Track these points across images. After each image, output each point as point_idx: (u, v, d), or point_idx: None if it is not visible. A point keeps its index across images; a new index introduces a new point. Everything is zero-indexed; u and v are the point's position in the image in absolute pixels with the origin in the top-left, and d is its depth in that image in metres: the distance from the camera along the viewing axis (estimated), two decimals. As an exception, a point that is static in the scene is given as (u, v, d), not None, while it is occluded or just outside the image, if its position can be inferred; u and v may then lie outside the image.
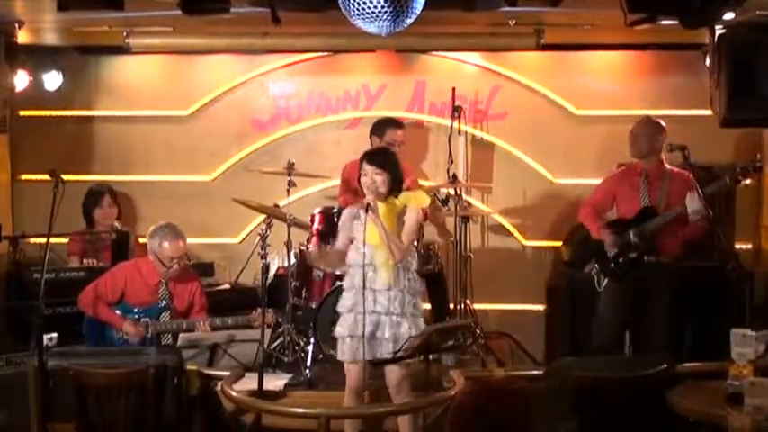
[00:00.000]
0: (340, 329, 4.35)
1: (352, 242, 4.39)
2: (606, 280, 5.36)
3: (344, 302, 4.36)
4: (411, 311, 4.32)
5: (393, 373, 4.32)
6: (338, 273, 5.53)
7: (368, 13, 4.05)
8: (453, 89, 6.31)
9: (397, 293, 4.29)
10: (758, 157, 5.05)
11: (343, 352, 4.34)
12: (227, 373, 4.80)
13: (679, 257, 5.35)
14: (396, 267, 4.29)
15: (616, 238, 5.30)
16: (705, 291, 5.68)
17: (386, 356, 4.22)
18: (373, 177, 4.28)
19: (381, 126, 6.04)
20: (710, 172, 5.66)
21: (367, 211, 4.19)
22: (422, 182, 6.48)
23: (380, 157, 4.39)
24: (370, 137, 6.06)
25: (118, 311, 5.23)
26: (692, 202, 5.05)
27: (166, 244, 5.22)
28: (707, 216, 4.92)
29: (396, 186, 4.34)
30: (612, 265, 5.33)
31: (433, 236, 6.39)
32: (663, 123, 5.41)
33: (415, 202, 4.39)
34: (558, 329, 6.23)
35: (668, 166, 5.39)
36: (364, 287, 4.24)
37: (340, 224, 4.53)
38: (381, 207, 4.28)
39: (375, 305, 4.27)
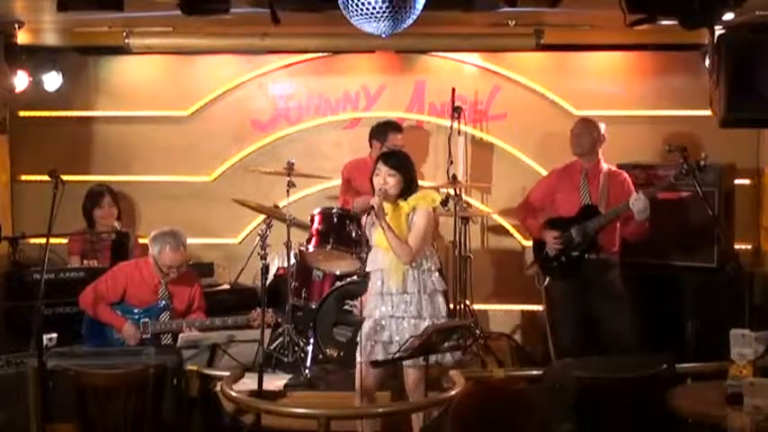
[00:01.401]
0: (362, 333, 4.37)
1: None
2: (547, 279, 5.44)
3: (367, 306, 4.41)
4: (430, 313, 4.33)
5: (411, 375, 4.34)
6: (338, 273, 5.55)
7: (368, 13, 4.05)
8: (453, 89, 6.31)
9: (413, 296, 4.30)
10: (703, 155, 5.15)
11: (360, 355, 4.36)
12: (227, 373, 4.80)
13: (620, 255, 5.44)
14: (407, 270, 4.29)
15: (557, 237, 5.35)
16: (705, 291, 5.68)
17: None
18: (386, 178, 4.28)
19: (384, 130, 6.02)
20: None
21: (369, 213, 4.19)
22: (421, 182, 6.46)
23: (395, 159, 4.40)
24: (370, 140, 6.05)
25: (118, 311, 5.24)
26: (637, 202, 5.14)
27: (167, 253, 5.22)
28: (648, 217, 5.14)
29: (408, 189, 4.33)
30: (554, 263, 5.40)
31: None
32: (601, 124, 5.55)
33: (424, 203, 4.38)
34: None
35: (605, 166, 5.49)
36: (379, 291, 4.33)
37: (365, 228, 4.51)
38: (389, 209, 4.28)
39: (392, 309, 4.29)
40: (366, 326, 4.37)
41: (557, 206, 5.54)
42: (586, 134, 5.48)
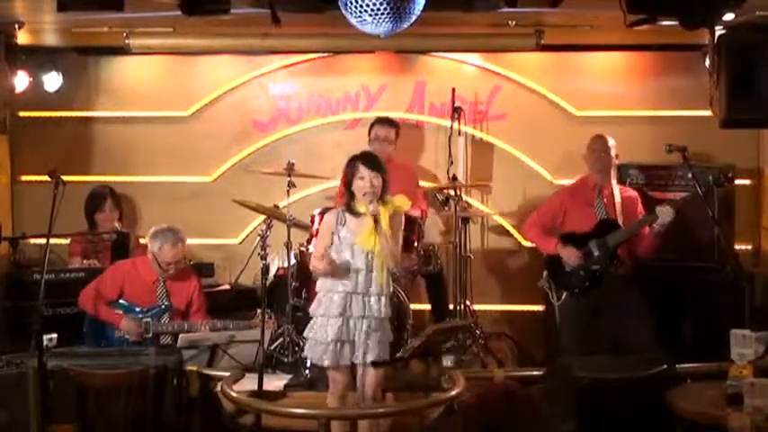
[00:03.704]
0: (323, 333, 4.25)
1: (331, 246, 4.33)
2: (565, 294, 5.35)
3: (331, 307, 4.26)
4: (387, 312, 4.32)
5: (370, 378, 4.29)
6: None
7: (368, 14, 4.06)
8: (453, 90, 6.31)
9: (385, 298, 4.29)
10: (731, 171, 5.30)
11: (323, 357, 4.27)
12: (227, 373, 4.80)
13: (633, 271, 5.40)
14: (388, 272, 4.28)
15: (576, 252, 5.30)
16: (705, 292, 5.68)
17: (382, 359, 4.22)
18: (373, 181, 4.24)
19: (371, 126, 6.10)
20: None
21: (375, 221, 4.15)
22: (422, 183, 6.47)
23: (374, 160, 4.33)
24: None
25: (120, 311, 5.24)
26: (665, 215, 5.11)
27: (166, 248, 5.23)
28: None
29: (385, 191, 4.31)
30: (573, 279, 5.33)
31: (434, 237, 6.39)
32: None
33: (402, 206, 4.35)
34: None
35: (617, 185, 5.48)
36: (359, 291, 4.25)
37: (322, 228, 4.42)
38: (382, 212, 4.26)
39: (367, 310, 4.25)
40: (333, 325, 4.24)
41: (569, 223, 5.46)
42: (607, 152, 5.42)
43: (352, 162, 4.31)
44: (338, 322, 4.23)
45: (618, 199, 5.41)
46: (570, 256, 5.32)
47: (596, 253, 5.27)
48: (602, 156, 5.43)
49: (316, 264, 4.38)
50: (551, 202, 5.69)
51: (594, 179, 5.47)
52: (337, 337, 4.23)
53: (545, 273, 5.48)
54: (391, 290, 4.36)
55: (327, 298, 4.28)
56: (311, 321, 4.35)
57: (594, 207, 5.40)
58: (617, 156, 5.48)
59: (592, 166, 5.49)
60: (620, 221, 5.32)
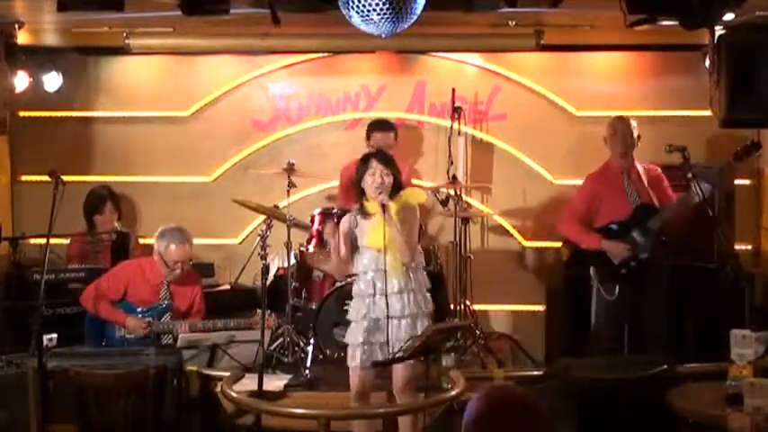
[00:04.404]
0: (354, 336, 4.32)
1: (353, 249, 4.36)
2: (617, 287, 5.21)
3: (357, 310, 4.33)
4: (426, 310, 4.32)
5: (399, 374, 4.30)
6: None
7: (368, 14, 4.06)
8: (453, 90, 6.31)
9: (410, 294, 4.28)
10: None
11: (354, 358, 4.31)
12: (227, 373, 4.80)
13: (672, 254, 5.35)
14: (405, 268, 4.28)
15: (622, 245, 5.23)
16: (705, 292, 5.68)
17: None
18: (383, 178, 4.26)
19: (369, 129, 6.06)
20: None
21: (384, 211, 4.16)
22: (422, 182, 6.47)
23: (387, 158, 4.36)
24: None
25: (120, 309, 5.23)
26: (693, 197, 5.08)
27: (173, 247, 5.23)
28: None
29: (396, 190, 4.32)
30: (624, 270, 5.22)
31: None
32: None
33: (413, 199, 4.36)
34: (558, 330, 6.22)
35: (640, 164, 5.42)
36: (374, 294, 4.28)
37: (341, 231, 4.44)
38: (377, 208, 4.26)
39: (389, 310, 4.24)
40: (360, 328, 4.30)
41: (604, 212, 5.36)
42: (630, 132, 5.34)
43: (365, 159, 4.36)
44: (364, 324, 4.29)
45: (645, 179, 5.33)
46: (618, 250, 5.21)
47: (642, 240, 5.20)
48: (627, 138, 5.34)
49: (335, 261, 4.44)
50: (583, 193, 5.55)
51: (620, 163, 5.36)
52: (365, 339, 4.28)
53: (592, 269, 5.29)
54: (416, 285, 4.32)
55: (356, 301, 4.35)
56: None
57: (626, 192, 5.30)
58: (639, 136, 5.38)
59: (615, 148, 5.38)
60: (657, 202, 5.26)
